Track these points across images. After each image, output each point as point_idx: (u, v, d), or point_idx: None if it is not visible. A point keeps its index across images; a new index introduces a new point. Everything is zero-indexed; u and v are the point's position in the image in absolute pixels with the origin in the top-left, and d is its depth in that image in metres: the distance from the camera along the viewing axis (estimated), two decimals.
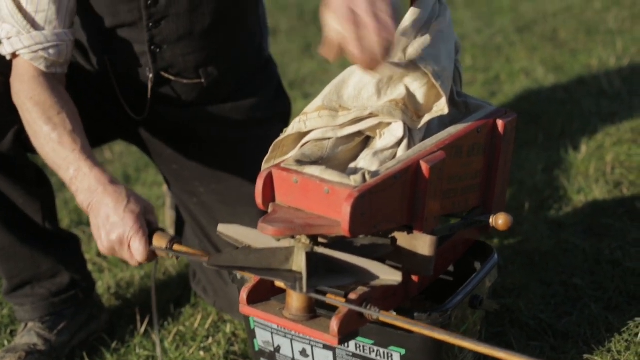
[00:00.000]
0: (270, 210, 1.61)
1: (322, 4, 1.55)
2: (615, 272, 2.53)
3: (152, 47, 2.14)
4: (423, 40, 1.72)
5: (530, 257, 2.63)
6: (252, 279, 1.65)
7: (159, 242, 1.82)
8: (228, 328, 2.39)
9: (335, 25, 1.50)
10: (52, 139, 1.91)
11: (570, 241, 2.70)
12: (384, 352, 1.78)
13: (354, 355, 1.82)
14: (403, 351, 1.75)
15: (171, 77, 2.19)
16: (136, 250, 1.81)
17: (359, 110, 1.69)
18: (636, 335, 2.23)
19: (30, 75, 1.99)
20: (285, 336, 1.90)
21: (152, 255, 1.83)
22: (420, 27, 1.74)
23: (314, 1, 5.68)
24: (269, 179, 1.61)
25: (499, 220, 1.80)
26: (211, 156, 2.34)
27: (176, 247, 1.82)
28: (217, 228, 1.74)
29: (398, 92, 1.70)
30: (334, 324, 1.53)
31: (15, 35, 1.98)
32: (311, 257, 1.52)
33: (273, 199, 1.62)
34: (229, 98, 2.29)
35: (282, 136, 1.71)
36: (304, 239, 1.55)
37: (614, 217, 2.85)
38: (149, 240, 1.82)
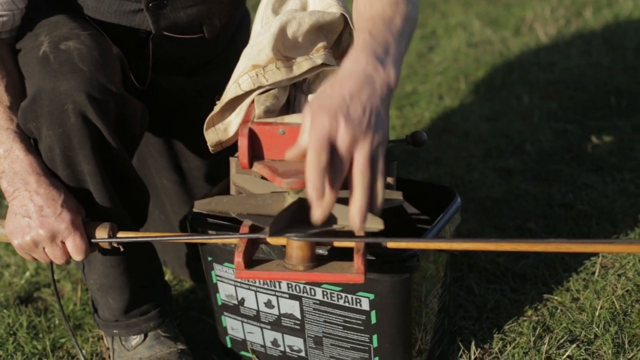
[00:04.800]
0: (256, 168, 1.57)
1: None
2: (567, 214, 2.55)
3: (150, 5, 1.88)
4: None
5: (483, 204, 2.64)
6: (241, 244, 1.58)
7: (100, 233, 1.73)
8: (185, 285, 2.36)
9: (309, 154, 1.31)
10: None
11: (521, 187, 2.72)
12: (352, 299, 1.75)
13: (322, 303, 1.79)
14: (372, 296, 1.73)
15: (174, 35, 1.95)
16: (76, 248, 1.70)
17: (309, 60, 1.71)
18: (593, 273, 2.25)
19: None
20: (249, 288, 1.86)
21: (89, 251, 1.74)
22: None
23: None
24: (251, 136, 1.57)
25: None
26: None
27: (119, 234, 1.74)
28: (232, 179, 1.67)
29: (325, 39, 1.76)
30: (359, 261, 1.52)
31: None
32: (301, 202, 1.48)
33: (255, 157, 1.58)
34: (224, 65, 2.06)
35: (238, 92, 1.68)
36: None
37: (562, 162, 2.87)
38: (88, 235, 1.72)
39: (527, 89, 3.48)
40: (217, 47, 2.09)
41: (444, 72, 3.75)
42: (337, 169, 1.31)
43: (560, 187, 2.70)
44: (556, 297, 2.18)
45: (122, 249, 1.78)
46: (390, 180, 1.69)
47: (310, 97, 1.72)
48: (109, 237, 1.72)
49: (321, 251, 1.65)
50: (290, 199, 1.52)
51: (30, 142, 1.74)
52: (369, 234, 1.56)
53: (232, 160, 1.71)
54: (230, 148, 1.77)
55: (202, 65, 2.10)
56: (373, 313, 1.75)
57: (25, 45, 1.82)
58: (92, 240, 1.72)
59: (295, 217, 1.50)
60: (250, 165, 1.58)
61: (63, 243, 1.71)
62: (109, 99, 1.72)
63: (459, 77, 3.67)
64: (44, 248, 1.71)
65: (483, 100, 3.43)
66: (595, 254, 2.32)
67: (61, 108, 1.68)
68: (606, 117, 3.21)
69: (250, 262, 1.59)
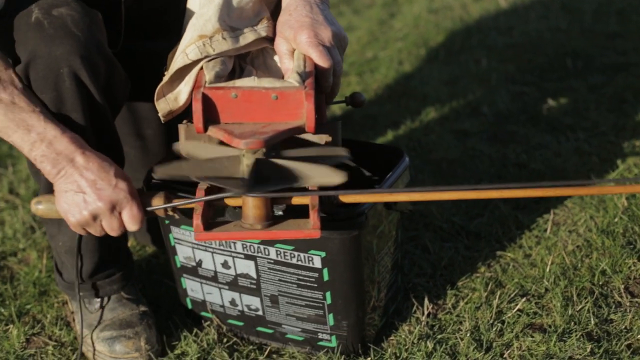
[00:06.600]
0: (211, 132, 1.61)
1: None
2: (521, 174, 2.61)
3: None
4: None
5: (438, 165, 2.69)
6: (198, 207, 1.63)
7: (156, 201, 1.72)
8: (148, 251, 2.40)
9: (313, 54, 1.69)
10: (1, 100, 1.67)
11: (476, 148, 2.77)
12: (304, 257, 1.81)
13: (276, 262, 1.84)
14: (323, 254, 1.78)
15: None
16: (132, 217, 1.69)
17: (253, 32, 1.77)
18: (545, 230, 2.31)
19: None
20: (206, 250, 1.91)
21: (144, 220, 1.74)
22: None
23: None
24: (205, 101, 1.60)
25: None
26: None
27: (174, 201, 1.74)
28: (181, 147, 1.68)
29: (267, 10, 1.83)
30: (314, 217, 1.58)
31: None
32: (259, 162, 1.54)
33: (209, 121, 1.62)
34: None
35: (186, 61, 1.71)
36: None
37: (517, 123, 2.92)
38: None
39: (485, 53, 3.52)
40: (180, 7, 2.12)
41: (405, 38, 3.79)
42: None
43: (515, 148, 2.76)
44: (509, 254, 2.24)
45: (177, 217, 1.78)
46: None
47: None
48: (165, 203, 1.71)
49: (277, 212, 1.70)
50: (245, 160, 1.56)
51: (56, 120, 1.71)
52: (324, 190, 1.62)
53: (181, 127, 1.73)
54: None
55: (166, 29, 2.11)
56: (325, 270, 1.80)
57: (13, 14, 1.80)
58: (148, 209, 1.71)
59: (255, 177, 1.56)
60: (205, 130, 1.62)
61: (120, 213, 1.71)
62: (100, 64, 1.76)
63: (419, 42, 3.71)
64: (101, 221, 1.72)
65: (442, 64, 3.48)
66: (548, 212, 2.38)
67: (56, 72, 1.71)
68: (562, 78, 3.27)
69: (208, 224, 1.64)
